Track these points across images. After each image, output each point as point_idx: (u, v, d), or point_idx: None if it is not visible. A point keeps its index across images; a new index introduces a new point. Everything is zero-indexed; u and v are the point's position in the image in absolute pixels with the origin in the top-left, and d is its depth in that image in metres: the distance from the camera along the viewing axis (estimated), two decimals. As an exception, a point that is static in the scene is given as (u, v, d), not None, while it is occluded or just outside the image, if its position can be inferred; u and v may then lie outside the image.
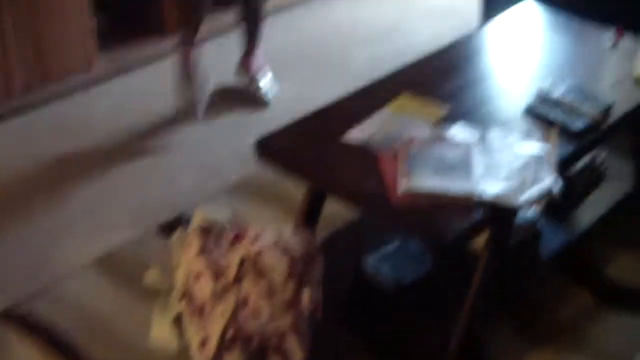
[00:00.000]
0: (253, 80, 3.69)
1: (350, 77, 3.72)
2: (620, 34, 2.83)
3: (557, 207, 2.61)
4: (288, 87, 3.74)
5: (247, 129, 3.39)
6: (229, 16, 3.99)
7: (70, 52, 3.61)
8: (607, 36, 2.85)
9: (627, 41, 2.83)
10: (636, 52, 2.70)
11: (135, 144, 3.37)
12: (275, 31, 4.20)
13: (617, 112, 2.46)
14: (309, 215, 2.50)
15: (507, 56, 2.84)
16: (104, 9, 3.85)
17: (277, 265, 2.18)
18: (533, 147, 2.24)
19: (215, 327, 2.17)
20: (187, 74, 3.50)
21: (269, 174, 2.64)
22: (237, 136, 3.40)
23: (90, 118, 3.53)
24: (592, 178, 2.89)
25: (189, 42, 3.51)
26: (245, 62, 3.71)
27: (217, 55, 3.84)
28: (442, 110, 2.43)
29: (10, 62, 3.41)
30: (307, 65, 3.99)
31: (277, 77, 3.74)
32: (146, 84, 3.78)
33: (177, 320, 2.32)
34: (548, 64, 2.77)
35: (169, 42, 3.88)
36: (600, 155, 2.93)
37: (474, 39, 2.97)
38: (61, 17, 3.52)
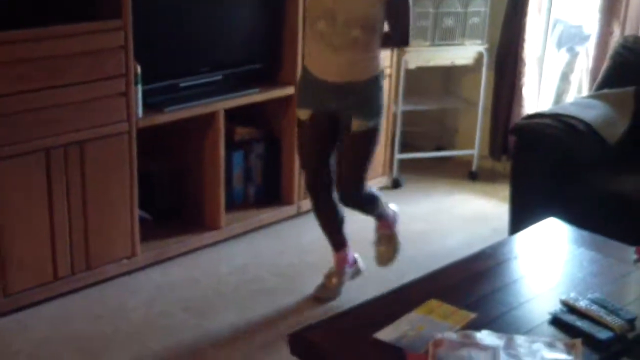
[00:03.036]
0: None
1: (383, 277, 3.85)
2: (640, 253, 2.96)
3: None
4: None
5: (281, 323, 3.50)
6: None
7: (115, 241, 3.78)
8: (631, 251, 2.97)
9: (650, 257, 2.94)
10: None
11: (170, 329, 3.47)
12: (313, 228, 4.33)
13: (642, 325, 2.53)
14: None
15: (534, 266, 2.95)
16: (149, 205, 4.09)
17: None
18: (558, 355, 2.31)
19: None
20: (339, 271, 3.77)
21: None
22: (271, 330, 3.49)
23: (128, 304, 3.66)
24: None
25: (338, 243, 3.75)
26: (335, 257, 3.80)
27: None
28: (469, 316, 2.52)
29: (58, 248, 3.59)
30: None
31: (312, 272, 3.86)
32: (183, 273, 3.94)
33: None
34: (573, 276, 2.87)
35: (207, 236, 4.15)
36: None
37: (502, 248, 3.10)
38: (109, 210, 3.73)
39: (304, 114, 3.54)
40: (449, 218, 4.70)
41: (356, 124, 3.44)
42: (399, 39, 3.54)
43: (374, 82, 3.47)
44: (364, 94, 3.45)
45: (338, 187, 3.57)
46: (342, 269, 3.78)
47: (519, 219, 3.84)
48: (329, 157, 3.59)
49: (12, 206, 3.40)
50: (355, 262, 3.84)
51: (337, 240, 3.76)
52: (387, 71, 4.70)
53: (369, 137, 3.49)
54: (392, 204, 3.86)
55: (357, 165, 3.53)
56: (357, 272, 3.85)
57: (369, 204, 3.70)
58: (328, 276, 3.78)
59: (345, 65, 3.40)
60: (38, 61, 3.36)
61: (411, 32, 4.71)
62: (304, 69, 3.55)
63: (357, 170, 3.54)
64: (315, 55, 3.48)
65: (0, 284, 3.43)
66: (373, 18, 3.36)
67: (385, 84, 4.65)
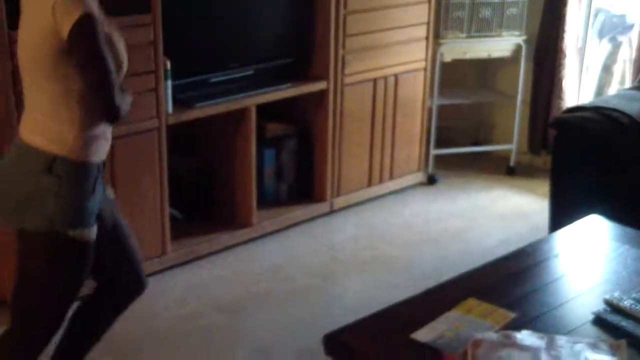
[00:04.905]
0: None
1: (418, 276, 3.77)
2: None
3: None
4: (356, 283, 3.78)
5: (313, 324, 3.41)
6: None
7: (145, 240, 3.72)
8: (677, 248, 2.86)
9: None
10: None
11: (201, 329, 3.40)
12: (346, 226, 4.31)
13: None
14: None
15: (576, 264, 2.85)
16: (180, 203, 4.03)
17: None
18: (602, 356, 2.21)
19: None
20: None
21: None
22: (304, 332, 3.41)
23: (158, 304, 3.60)
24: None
25: None
26: None
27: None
28: (509, 315, 2.43)
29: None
30: (376, 261, 4.03)
31: (345, 272, 3.79)
32: (215, 272, 3.88)
33: None
34: (617, 274, 2.76)
35: (238, 234, 4.08)
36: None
37: (542, 246, 2.99)
38: (139, 208, 3.68)
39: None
40: (486, 215, 4.60)
41: None
42: (97, 104, 2.35)
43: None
44: None
45: None
46: None
47: (560, 216, 3.73)
48: None
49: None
50: None
51: None
52: (422, 64, 4.63)
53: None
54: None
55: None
56: None
57: None
58: None
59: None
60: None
61: (446, 24, 4.70)
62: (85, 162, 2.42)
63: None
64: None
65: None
66: (39, 56, 2.33)
67: (420, 77, 4.64)
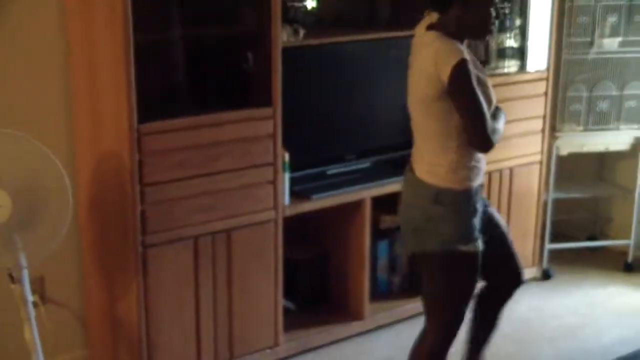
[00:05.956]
0: None
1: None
2: None
3: None
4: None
5: None
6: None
7: (258, 330, 3.74)
8: None
9: None
10: None
11: None
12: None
13: None
14: None
15: None
16: (292, 293, 4.03)
17: None
18: None
19: None
20: None
21: None
22: None
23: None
24: None
25: None
26: None
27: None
28: None
29: (202, 335, 3.56)
30: (491, 358, 3.91)
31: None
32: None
33: None
34: None
35: (350, 326, 4.05)
36: None
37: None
38: (254, 298, 3.69)
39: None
40: (603, 312, 4.46)
41: None
42: (470, 141, 2.80)
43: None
44: None
45: None
46: None
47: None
48: None
49: (160, 292, 3.42)
50: None
51: None
52: (538, 157, 4.57)
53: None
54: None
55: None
56: None
57: None
58: None
59: None
60: (195, 149, 3.40)
61: (563, 117, 4.64)
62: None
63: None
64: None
65: (146, 370, 3.44)
66: (425, 99, 2.80)
67: (535, 170, 4.57)
